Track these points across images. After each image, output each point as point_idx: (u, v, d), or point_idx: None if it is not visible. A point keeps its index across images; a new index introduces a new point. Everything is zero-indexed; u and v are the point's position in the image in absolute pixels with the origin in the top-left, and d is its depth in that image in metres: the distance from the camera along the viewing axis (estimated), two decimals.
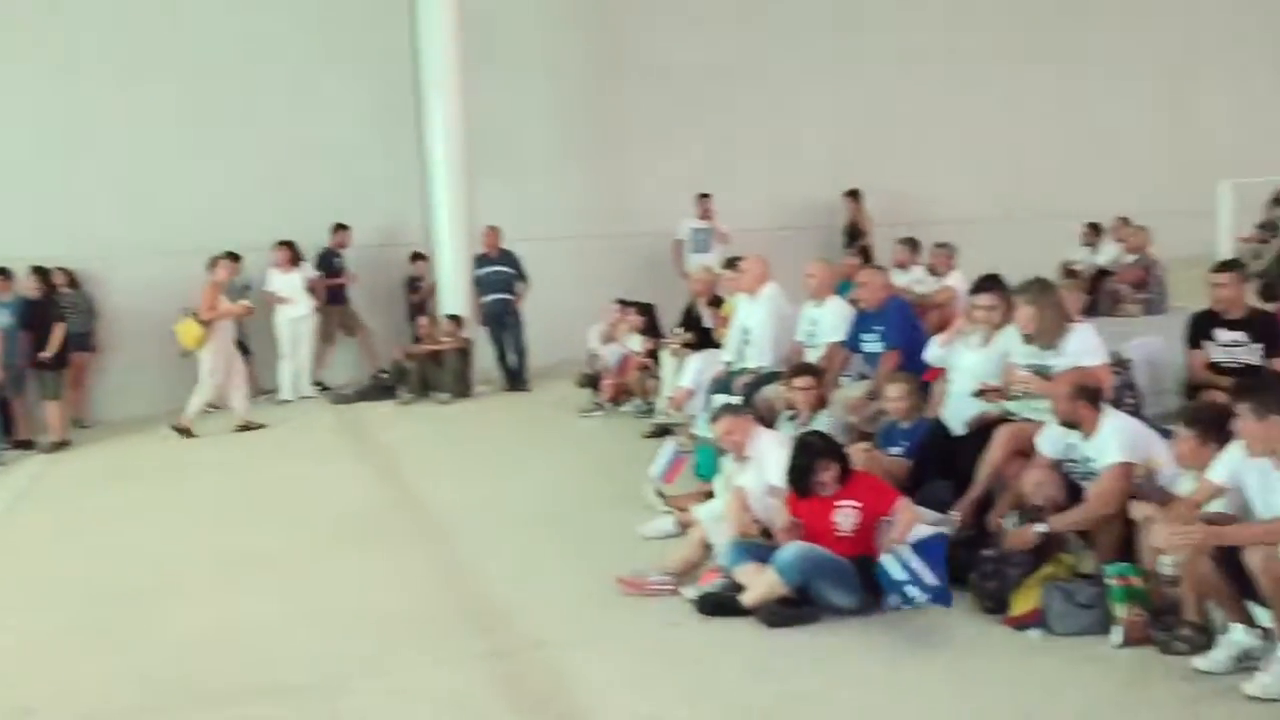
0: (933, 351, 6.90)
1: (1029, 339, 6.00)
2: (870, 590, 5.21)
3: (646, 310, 10.86)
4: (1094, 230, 13.13)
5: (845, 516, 5.35)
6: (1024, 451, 5.63)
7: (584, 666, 4.96)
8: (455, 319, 11.92)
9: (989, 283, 6.51)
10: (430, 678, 4.89)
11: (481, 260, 12.13)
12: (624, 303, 11.06)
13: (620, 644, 5.18)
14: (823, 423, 6.70)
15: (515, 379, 12.09)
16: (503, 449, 9.48)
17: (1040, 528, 5.22)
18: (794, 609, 5.21)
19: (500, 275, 12.05)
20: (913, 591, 4.97)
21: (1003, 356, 6.22)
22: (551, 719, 4.55)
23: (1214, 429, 4.78)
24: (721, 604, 5.36)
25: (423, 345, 11.83)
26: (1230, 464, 4.56)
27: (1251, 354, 6.25)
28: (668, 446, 7.27)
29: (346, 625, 5.52)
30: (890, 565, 5.04)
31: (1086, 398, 5.34)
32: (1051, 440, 5.53)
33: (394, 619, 5.56)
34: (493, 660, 5.09)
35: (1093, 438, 5.31)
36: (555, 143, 13.38)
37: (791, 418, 7.09)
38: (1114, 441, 5.21)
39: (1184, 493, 4.89)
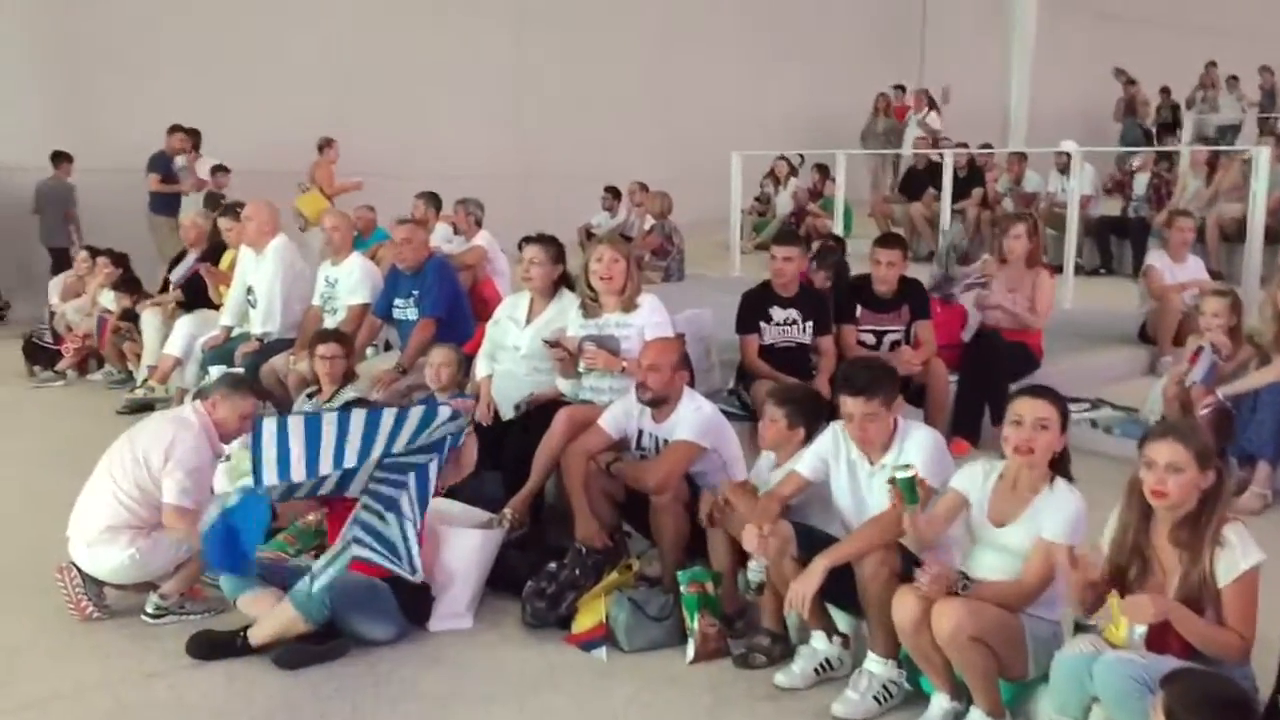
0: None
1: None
2: (411, 615, 4.34)
3: (122, 260, 9.16)
4: (613, 195, 13.02)
5: None
6: None
7: None
8: None
9: (539, 239, 5.68)
10: None
11: None
12: (94, 250, 9.33)
13: (80, 704, 3.87)
14: (347, 400, 5.65)
15: None
16: None
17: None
18: (316, 645, 4.17)
19: None
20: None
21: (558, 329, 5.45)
22: None
23: (804, 412, 4.36)
24: (218, 645, 4.20)
25: None
26: (820, 455, 4.13)
27: (803, 333, 6.03)
28: None
29: None
30: None
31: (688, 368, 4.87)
32: (617, 419, 4.86)
33: None
34: None
35: (669, 417, 4.72)
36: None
37: (311, 394, 6.00)
38: (688, 422, 4.65)
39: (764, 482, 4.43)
